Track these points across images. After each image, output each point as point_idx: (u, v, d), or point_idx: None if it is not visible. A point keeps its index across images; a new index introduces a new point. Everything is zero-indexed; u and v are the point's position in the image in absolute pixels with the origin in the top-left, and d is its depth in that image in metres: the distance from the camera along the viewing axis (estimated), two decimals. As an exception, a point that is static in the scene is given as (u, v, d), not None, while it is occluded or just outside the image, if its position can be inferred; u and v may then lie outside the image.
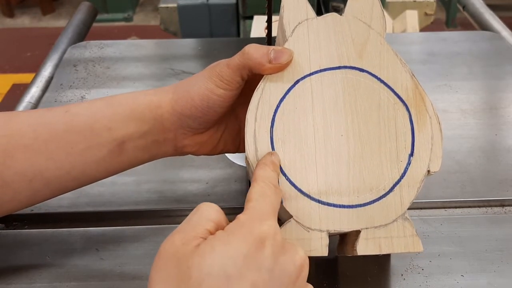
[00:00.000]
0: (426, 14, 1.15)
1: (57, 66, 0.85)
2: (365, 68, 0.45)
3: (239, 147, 0.51)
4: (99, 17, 1.13)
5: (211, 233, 0.35)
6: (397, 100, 0.44)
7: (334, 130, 0.43)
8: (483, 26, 0.98)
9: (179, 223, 0.55)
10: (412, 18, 1.09)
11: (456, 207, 0.57)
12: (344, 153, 0.43)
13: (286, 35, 0.45)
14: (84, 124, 0.45)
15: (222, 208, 0.59)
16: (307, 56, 0.45)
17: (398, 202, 0.43)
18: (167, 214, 0.57)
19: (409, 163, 0.43)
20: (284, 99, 0.43)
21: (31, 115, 0.46)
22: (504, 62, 0.84)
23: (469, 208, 0.57)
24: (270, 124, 0.43)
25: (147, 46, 0.92)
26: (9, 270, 0.50)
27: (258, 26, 1.03)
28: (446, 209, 0.57)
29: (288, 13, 0.46)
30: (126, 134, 0.46)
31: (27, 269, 0.50)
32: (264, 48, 0.44)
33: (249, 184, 0.59)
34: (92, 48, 0.88)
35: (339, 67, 0.45)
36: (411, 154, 0.44)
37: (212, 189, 0.59)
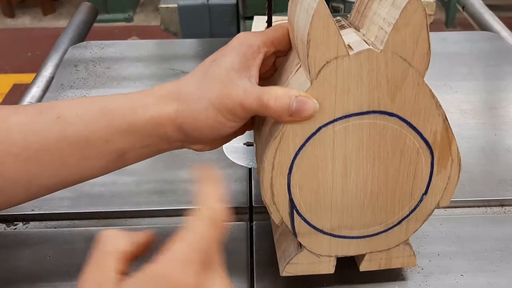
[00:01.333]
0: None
1: (57, 66, 0.85)
2: (395, 113, 0.40)
3: (245, 129, 0.48)
4: (99, 17, 1.13)
5: (121, 275, 0.32)
6: (423, 144, 0.41)
7: (354, 177, 0.42)
8: (483, 26, 0.98)
9: (179, 223, 0.56)
10: (412, 18, 1.09)
11: (455, 207, 0.57)
12: (360, 196, 0.43)
13: (310, 77, 0.38)
14: (78, 135, 0.42)
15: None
16: (332, 100, 0.39)
17: (403, 232, 0.45)
18: (167, 214, 0.57)
19: (421, 201, 0.44)
20: (304, 146, 0.40)
21: (21, 120, 0.42)
22: (504, 62, 0.84)
23: (469, 208, 0.57)
24: (287, 171, 0.41)
25: (147, 46, 0.92)
26: (10, 270, 0.50)
27: (258, 26, 1.03)
28: (445, 209, 0.57)
29: (315, 50, 0.37)
30: (126, 146, 0.43)
31: (28, 268, 0.50)
32: (285, 97, 0.38)
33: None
34: (92, 48, 0.89)
35: (367, 112, 0.39)
36: (425, 193, 0.43)
37: (212, 189, 0.59)
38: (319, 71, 0.38)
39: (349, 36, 0.40)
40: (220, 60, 0.42)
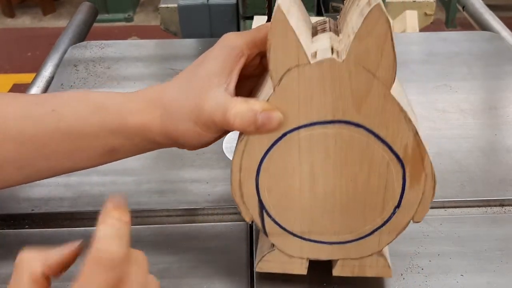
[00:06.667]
0: (426, 14, 1.15)
1: (57, 66, 0.85)
2: (361, 124, 0.39)
3: None
4: (99, 17, 1.13)
5: None
6: (393, 157, 0.40)
7: (322, 184, 0.41)
8: (483, 26, 0.98)
9: (179, 223, 0.56)
10: (412, 18, 1.09)
11: (455, 207, 0.57)
12: (329, 205, 0.42)
13: (272, 83, 0.38)
14: (71, 129, 0.44)
15: (222, 208, 0.59)
16: (296, 108, 0.38)
17: (376, 243, 0.44)
18: (167, 214, 0.57)
19: (393, 213, 0.42)
20: (270, 151, 0.40)
21: (16, 109, 0.45)
22: (504, 62, 0.84)
23: (469, 208, 0.57)
24: (255, 174, 0.41)
25: (147, 46, 0.92)
26: (10, 270, 0.50)
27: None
28: (445, 209, 0.57)
29: (276, 55, 0.37)
30: (117, 143, 0.44)
31: (28, 268, 0.50)
32: (250, 113, 0.39)
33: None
34: (92, 48, 0.89)
35: (332, 122, 0.39)
36: (397, 207, 0.42)
37: (212, 189, 0.59)
38: (281, 78, 0.38)
39: (322, 42, 0.39)
40: (204, 64, 0.43)
